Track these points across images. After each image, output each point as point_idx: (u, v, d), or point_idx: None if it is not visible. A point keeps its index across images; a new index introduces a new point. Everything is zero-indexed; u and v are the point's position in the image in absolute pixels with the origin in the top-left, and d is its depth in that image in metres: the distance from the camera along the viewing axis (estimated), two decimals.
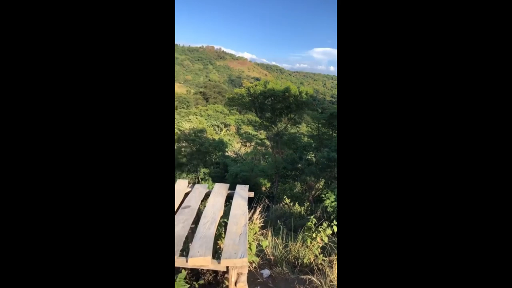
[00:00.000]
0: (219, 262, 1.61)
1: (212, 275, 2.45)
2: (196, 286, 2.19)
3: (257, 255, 2.74)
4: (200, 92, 39.82)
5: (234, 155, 14.14)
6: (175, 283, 1.83)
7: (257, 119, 10.86)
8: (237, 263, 1.58)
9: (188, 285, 1.92)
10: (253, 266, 2.58)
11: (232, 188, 2.83)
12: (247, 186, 2.94)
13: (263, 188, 10.39)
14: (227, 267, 1.61)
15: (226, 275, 2.38)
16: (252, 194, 2.85)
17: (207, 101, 34.78)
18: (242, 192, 2.72)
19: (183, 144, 13.45)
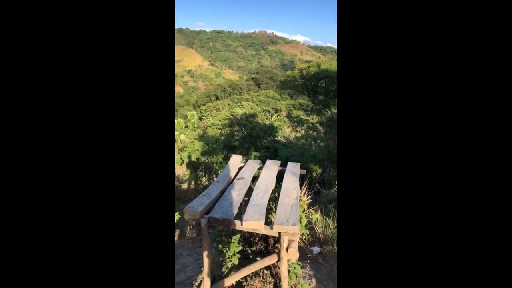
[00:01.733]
0: (271, 228, 1.69)
1: (263, 245, 2.58)
2: (249, 251, 2.33)
3: (307, 232, 2.76)
4: (252, 78, 40.28)
5: (284, 140, 14.14)
6: (230, 244, 1.99)
7: (309, 103, 10.55)
8: (289, 230, 1.63)
9: (241, 247, 2.06)
10: (303, 239, 2.62)
11: (284, 166, 2.87)
12: (299, 164, 2.94)
13: (314, 174, 10.21)
14: (279, 233, 1.67)
15: (276, 245, 2.47)
16: (303, 172, 2.84)
17: (259, 87, 35.06)
18: (294, 169, 2.73)
19: (236, 128, 13.97)
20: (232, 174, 2.58)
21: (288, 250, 1.63)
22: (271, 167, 2.80)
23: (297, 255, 1.65)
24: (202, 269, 2.09)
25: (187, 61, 70.76)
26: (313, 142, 13.01)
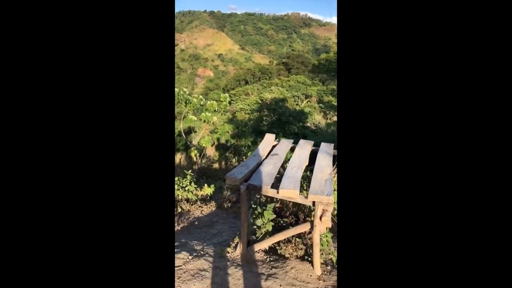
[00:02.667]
0: (306, 197, 1.80)
1: (294, 219, 2.71)
2: (281, 222, 2.48)
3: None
4: (283, 63, 39.46)
5: (314, 127, 13.92)
6: (265, 212, 2.14)
7: None
8: (324, 200, 1.72)
9: (275, 215, 2.21)
10: (333, 216, 2.70)
11: (317, 146, 2.92)
12: (332, 144, 2.98)
13: None
14: (313, 202, 1.78)
15: (306, 218, 2.59)
16: (336, 152, 2.88)
17: (289, 72, 34.34)
18: (327, 149, 2.79)
19: (265, 113, 14.01)
20: (267, 150, 2.71)
21: (322, 219, 1.74)
22: (305, 145, 2.87)
23: (330, 224, 1.75)
24: (238, 233, 2.29)
25: (218, 45, 71.00)
26: None
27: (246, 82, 35.33)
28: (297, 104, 18.57)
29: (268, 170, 2.15)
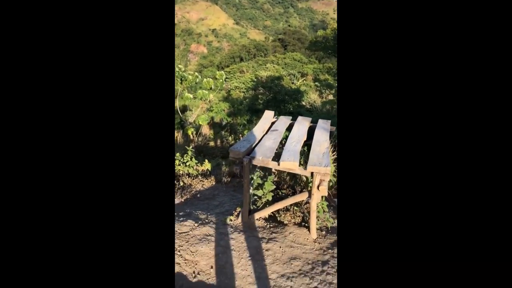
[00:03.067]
0: (305, 169, 1.93)
1: (291, 191, 2.88)
2: (279, 193, 2.64)
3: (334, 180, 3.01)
4: (279, 39, 38.36)
5: (309, 106, 13.94)
6: (266, 182, 2.29)
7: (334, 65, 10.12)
8: (321, 170, 1.86)
9: (274, 186, 2.36)
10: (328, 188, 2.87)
11: (314, 123, 3.03)
12: (330, 120, 3.09)
13: None
14: (312, 173, 1.92)
15: (303, 190, 2.76)
16: (333, 129, 3.00)
17: (285, 49, 33.53)
18: (324, 125, 2.90)
19: (260, 91, 13.89)
20: (266, 126, 2.81)
21: (319, 188, 1.88)
22: (303, 122, 2.98)
23: (326, 192, 1.90)
24: (239, 203, 2.44)
25: (212, 19, 68.12)
26: None
27: (241, 59, 34.47)
28: (292, 83, 18.38)
29: (269, 144, 2.26)
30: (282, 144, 2.58)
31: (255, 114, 13.07)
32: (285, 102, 12.53)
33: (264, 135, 2.54)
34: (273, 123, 3.01)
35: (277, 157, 2.08)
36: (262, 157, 2.02)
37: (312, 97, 15.63)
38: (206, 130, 8.29)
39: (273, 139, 2.40)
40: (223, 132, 8.10)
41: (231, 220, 2.27)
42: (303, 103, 13.67)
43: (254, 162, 2.05)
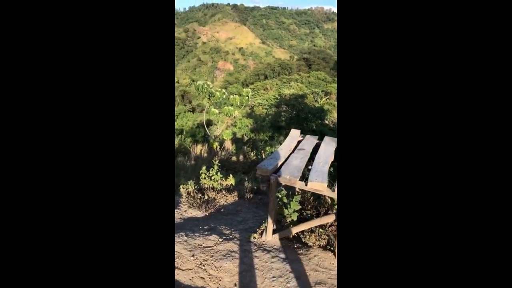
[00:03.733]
0: (333, 191, 1.91)
1: (315, 213, 2.83)
2: (304, 214, 2.60)
3: None
4: (303, 58, 38.94)
5: (332, 125, 13.79)
6: (291, 202, 2.27)
7: None
8: None
9: (300, 206, 2.33)
10: None
11: None
12: None
13: None
14: None
15: (329, 212, 2.70)
16: None
17: (309, 68, 33.86)
18: None
19: (283, 108, 14.01)
20: (293, 145, 2.83)
21: None
22: (330, 142, 2.96)
23: None
24: (263, 221, 2.44)
25: (239, 38, 71.01)
26: None
27: (266, 77, 35.27)
28: (316, 101, 18.40)
29: (296, 163, 2.27)
30: (310, 163, 2.58)
31: (278, 131, 13.16)
32: (308, 120, 12.50)
33: (290, 153, 2.56)
34: (299, 141, 3.02)
35: (303, 176, 2.08)
36: (290, 176, 2.02)
37: (336, 116, 15.45)
38: (228, 144, 8.46)
39: (300, 158, 2.41)
40: (245, 148, 8.23)
41: (254, 237, 2.27)
42: (326, 121, 13.56)
43: (281, 181, 2.06)
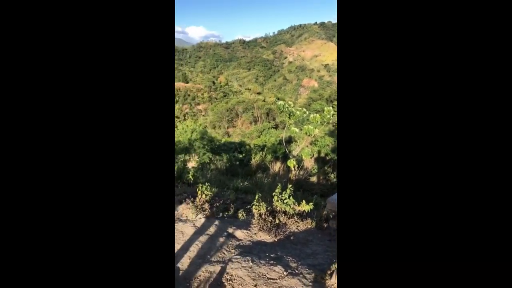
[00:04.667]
0: None
1: None
2: None
3: None
4: None
5: None
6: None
7: None
8: None
9: None
10: None
11: None
12: None
13: None
14: None
15: None
16: None
17: None
18: None
19: None
20: None
21: None
22: None
23: None
24: (334, 260, 2.20)
25: (325, 55, 70.28)
26: None
27: None
28: None
29: None
30: None
31: None
32: None
33: None
34: None
35: None
36: None
37: None
38: (309, 163, 8.26)
39: None
40: (326, 168, 7.86)
41: (322, 278, 2.06)
42: None
43: None
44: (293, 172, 6.51)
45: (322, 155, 9.37)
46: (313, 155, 8.43)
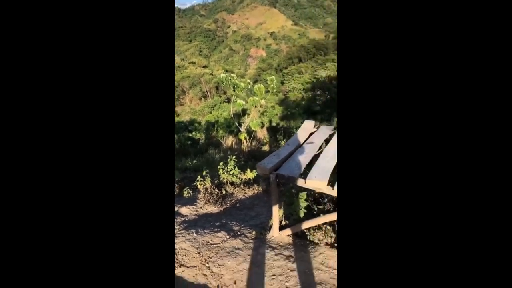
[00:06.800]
0: (333, 188, 1.81)
1: (332, 207, 2.72)
2: (315, 209, 2.53)
3: None
4: None
5: None
6: (297, 200, 2.23)
7: None
8: None
9: (308, 203, 2.27)
10: None
11: None
12: None
13: None
14: None
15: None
16: None
17: None
18: None
19: (318, 93, 13.46)
20: (302, 139, 2.72)
21: None
22: None
23: None
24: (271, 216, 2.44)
25: (270, 22, 69.23)
26: None
27: (300, 60, 34.05)
28: None
29: (299, 159, 2.20)
30: (317, 157, 2.47)
31: (312, 116, 12.74)
32: None
33: (296, 148, 2.48)
34: (312, 133, 2.90)
35: (309, 171, 2.00)
36: (288, 174, 1.97)
37: None
38: (261, 134, 8.49)
39: (306, 153, 2.32)
40: (277, 136, 8.17)
41: (261, 234, 2.29)
42: None
43: (281, 179, 2.02)
44: (245, 144, 6.64)
45: (274, 124, 9.67)
46: (264, 125, 8.66)
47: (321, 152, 2.47)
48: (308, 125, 3.04)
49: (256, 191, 3.51)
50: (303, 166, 2.08)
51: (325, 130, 2.91)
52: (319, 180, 1.84)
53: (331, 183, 1.90)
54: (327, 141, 2.69)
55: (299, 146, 2.54)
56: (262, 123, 8.60)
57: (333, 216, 2.07)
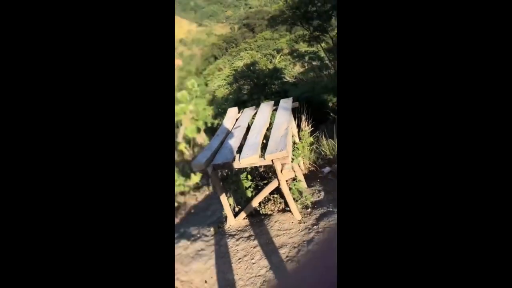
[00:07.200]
0: (264, 159, 1.93)
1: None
2: (262, 184, 2.66)
3: (316, 159, 3.00)
4: (244, 25, 37.65)
5: (294, 79, 13.62)
6: (241, 182, 2.30)
7: (306, 31, 9.91)
8: (278, 156, 1.86)
9: (251, 182, 2.37)
10: (313, 163, 2.86)
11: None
12: (291, 98, 3.06)
13: (331, 104, 9.92)
14: (272, 161, 1.92)
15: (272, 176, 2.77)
16: (296, 105, 2.97)
17: (253, 32, 32.88)
18: (285, 104, 2.87)
19: (241, 83, 13.75)
20: (230, 125, 2.80)
21: (282, 171, 1.88)
22: (264, 109, 2.95)
23: (292, 173, 1.90)
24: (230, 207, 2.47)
25: (176, 30, 67.15)
26: (323, 72, 12.42)
27: (216, 58, 34.07)
28: (270, 62, 18.06)
29: (230, 144, 2.26)
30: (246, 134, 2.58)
31: (243, 105, 12.93)
32: (267, 84, 12.36)
33: (225, 136, 2.54)
34: (237, 119, 2.99)
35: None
36: (223, 161, 2.02)
37: (295, 69, 15.30)
38: (201, 138, 8.31)
39: (236, 137, 2.40)
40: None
41: (219, 227, 2.31)
42: (287, 78, 13.43)
43: (219, 169, 2.06)
44: (186, 153, 6.44)
45: (209, 125, 9.55)
46: (200, 130, 8.50)
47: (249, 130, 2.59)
48: (232, 113, 3.14)
49: (207, 192, 3.49)
50: (235, 149, 2.16)
51: (249, 112, 3.04)
52: (251, 156, 1.93)
53: (263, 155, 2.01)
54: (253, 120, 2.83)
55: (228, 133, 2.60)
56: (198, 128, 8.44)
57: (273, 185, 2.20)
